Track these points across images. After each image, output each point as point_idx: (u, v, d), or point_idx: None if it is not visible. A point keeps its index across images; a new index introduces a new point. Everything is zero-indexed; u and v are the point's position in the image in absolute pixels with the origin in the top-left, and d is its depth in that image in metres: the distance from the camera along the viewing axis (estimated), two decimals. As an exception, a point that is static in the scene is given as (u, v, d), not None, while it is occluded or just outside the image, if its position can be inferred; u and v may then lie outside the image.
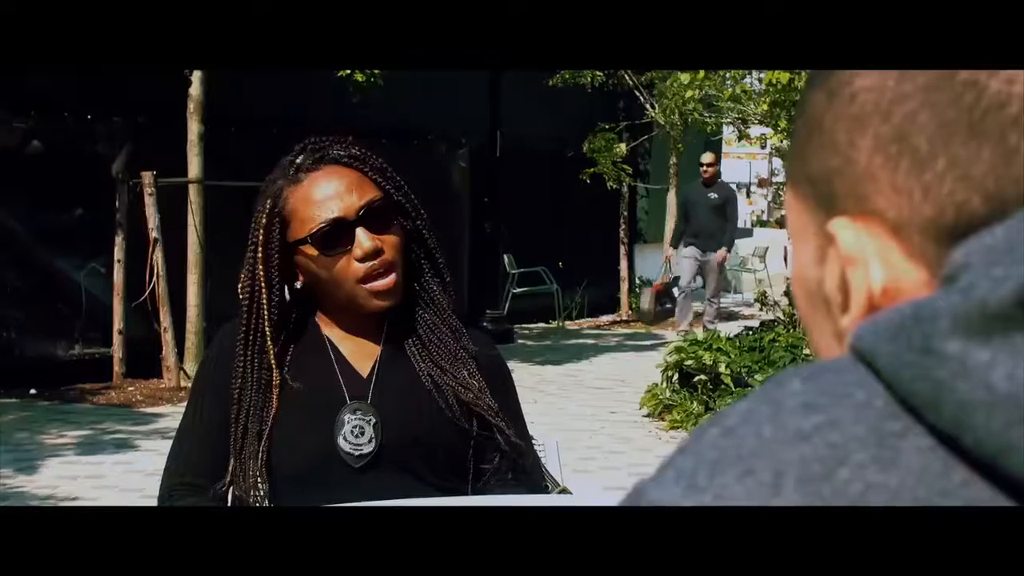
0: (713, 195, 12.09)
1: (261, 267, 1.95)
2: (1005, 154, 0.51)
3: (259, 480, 1.93)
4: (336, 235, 1.92)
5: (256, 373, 1.96)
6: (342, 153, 1.97)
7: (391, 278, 1.93)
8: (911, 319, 0.50)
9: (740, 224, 28.57)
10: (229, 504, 1.98)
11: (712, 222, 12.11)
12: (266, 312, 1.95)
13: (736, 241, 20.83)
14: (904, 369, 0.49)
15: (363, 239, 1.91)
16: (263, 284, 1.95)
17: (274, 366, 1.96)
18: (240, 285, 1.98)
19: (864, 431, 0.50)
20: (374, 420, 1.95)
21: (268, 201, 1.96)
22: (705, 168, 12.22)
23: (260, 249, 1.95)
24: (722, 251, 12.18)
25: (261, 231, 1.95)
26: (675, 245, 12.60)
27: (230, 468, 1.94)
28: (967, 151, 0.52)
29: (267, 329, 1.95)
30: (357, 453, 1.93)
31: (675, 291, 12.93)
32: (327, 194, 1.93)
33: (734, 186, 14.64)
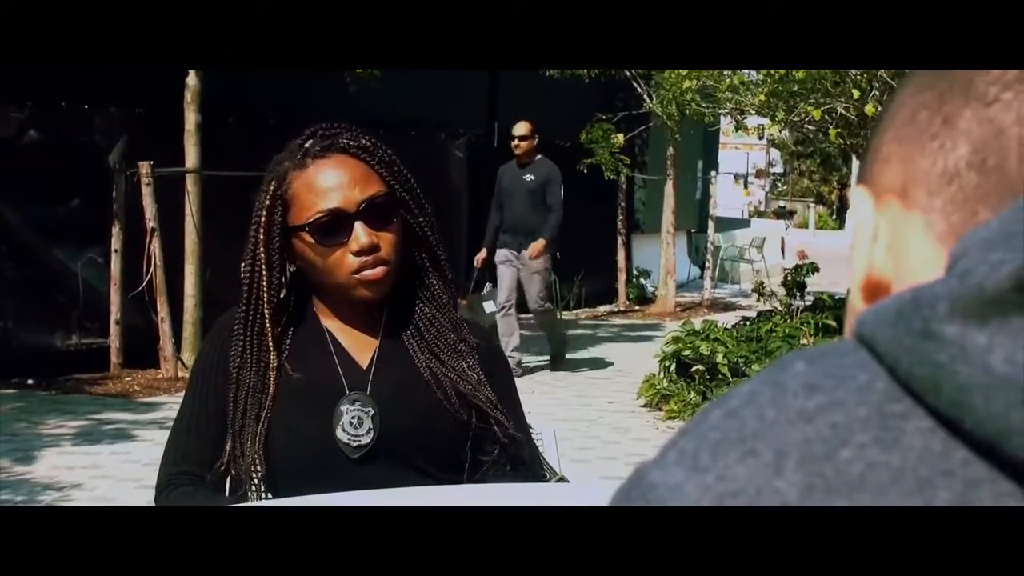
0: (529, 177, 9.16)
1: (262, 249, 1.95)
2: (985, 104, 0.57)
3: (256, 461, 1.93)
4: (334, 226, 1.92)
5: (255, 355, 1.96)
6: (351, 143, 1.96)
7: (380, 269, 1.93)
8: (911, 304, 0.50)
9: (737, 215, 28.57)
10: (227, 486, 1.98)
11: (529, 212, 9.12)
12: (266, 294, 1.96)
13: (734, 232, 20.83)
14: (904, 353, 0.50)
15: (360, 234, 1.91)
16: (263, 266, 1.95)
17: (272, 348, 1.96)
18: (241, 266, 1.98)
19: (866, 412, 0.50)
20: (372, 411, 1.95)
21: (273, 183, 1.96)
22: (516, 143, 9.22)
23: (262, 231, 1.95)
24: (539, 242, 8.99)
25: (264, 212, 1.95)
26: (490, 246, 9.44)
27: (227, 448, 1.95)
28: (956, 108, 0.58)
29: (266, 311, 1.96)
30: (355, 444, 1.93)
31: (488, 306, 9.43)
32: (330, 184, 1.93)
33: (731, 177, 14.21)
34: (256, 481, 1.95)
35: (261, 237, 1.95)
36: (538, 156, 9.30)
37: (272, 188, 1.96)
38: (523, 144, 9.27)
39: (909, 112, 0.61)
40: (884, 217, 0.60)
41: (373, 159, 1.96)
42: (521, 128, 9.37)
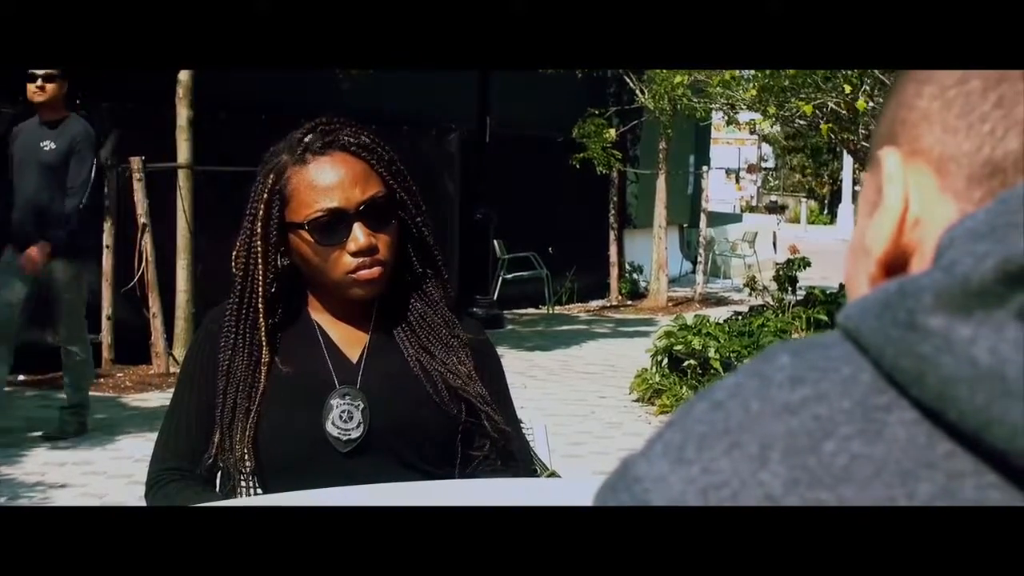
0: (49, 144, 6.17)
1: (258, 242, 1.95)
2: None
3: (246, 455, 1.93)
4: (333, 226, 1.92)
5: (247, 349, 1.96)
6: (352, 141, 1.95)
7: (376, 270, 1.93)
8: (896, 295, 0.51)
9: (729, 209, 28.53)
10: (217, 479, 1.98)
11: (44, 195, 6.11)
12: (261, 288, 1.95)
13: (726, 227, 20.80)
14: (889, 344, 0.50)
15: (359, 234, 1.91)
16: (259, 259, 1.95)
17: (265, 343, 1.96)
18: (234, 257, 1.97)
19: (850, 404, 0.51)
20: (362, 405, 1.95)
21: (271, 176, 1.95)
22: (34, 90, 6.18)
23: (258, 224, 1.94)
24: (35, 249, 6.02)
25: (261, 206, 1.94)
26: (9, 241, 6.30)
27: (215, 440, 1.94)
28: (1014, 93, 0.55)
29: (260, 305, 1.95)
30: (345, 438, 1.93)
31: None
32: (330, 182, 1.92)
33: (723, 172, 14.01)
34: (245, 475, 1.95)
35: (257, 230, 1.94)
36: (70, 114, 6.33)
37: (270, 182, 1.94)
38: (43, 92, 6.16)
39: (959, 71, 0.57)
40: (915, 183, 0.58)
41: (373, 158, 1.95)
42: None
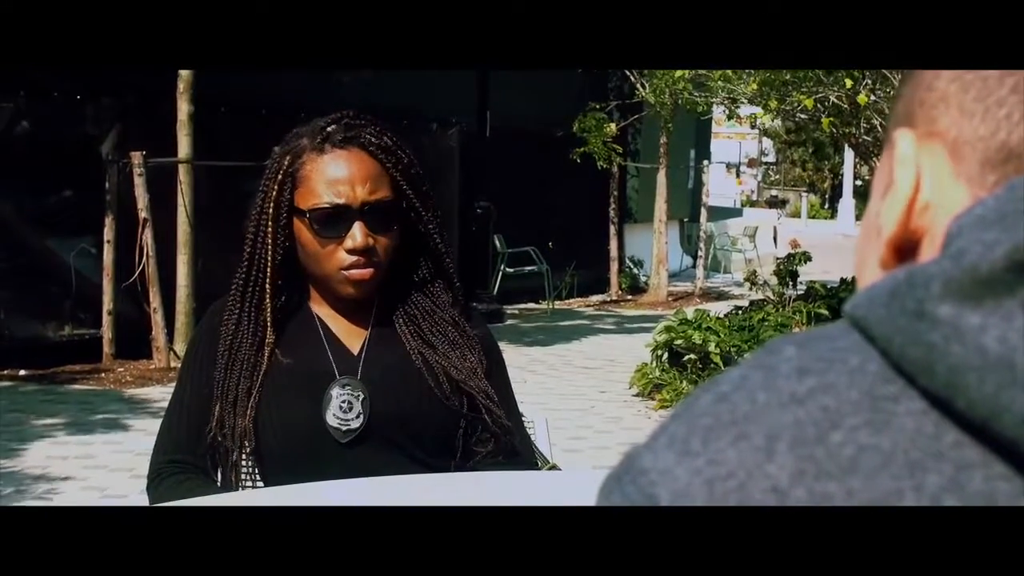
0: None
1: (269, 222, 1.95)
2: None
3: (246, 435, 1.93)
4: (334, 220, 1.92)
5: (251, 328, 1.96)
6: (372, 140, 1.95)
7: (368, 271, 1.93)
8: (904, 284, 0.50)
9: (730, 204, 28.58)
10: (218, 469, 1.98)
11: None
12: (268, 267, 1.95)
13: (726, 221, 20.81)
14: (897, 334, 0.50)
15: (357, 233, 1.91)
16: (268, 238, 1.95)
17: (270, 323, 1.96)
18: (244, 235, 1.97)
19: (858, 395, 0.50)
20: (362, 395, 1.95)
21: (287, 157, 1.95)
22: None
23: (270, 203, 1.95)
24: None
25: (276, 186, 1.94)
26: None
27: (215, 414, 1.94)
28: None
29: (267, 285, 1.95)
30: (345, 428, 1.93)
31: None
32: (341, 176, 1.92)
33: (723, 166, 14.02)
34: (245, 454, 1.95)
35: (268, 210, 1.95)
36: None
37: (286, 163, 1.95)
38: None
39: None
40: (928, 166, 0.57)
41: (390, 161, 1.95)
42: None
